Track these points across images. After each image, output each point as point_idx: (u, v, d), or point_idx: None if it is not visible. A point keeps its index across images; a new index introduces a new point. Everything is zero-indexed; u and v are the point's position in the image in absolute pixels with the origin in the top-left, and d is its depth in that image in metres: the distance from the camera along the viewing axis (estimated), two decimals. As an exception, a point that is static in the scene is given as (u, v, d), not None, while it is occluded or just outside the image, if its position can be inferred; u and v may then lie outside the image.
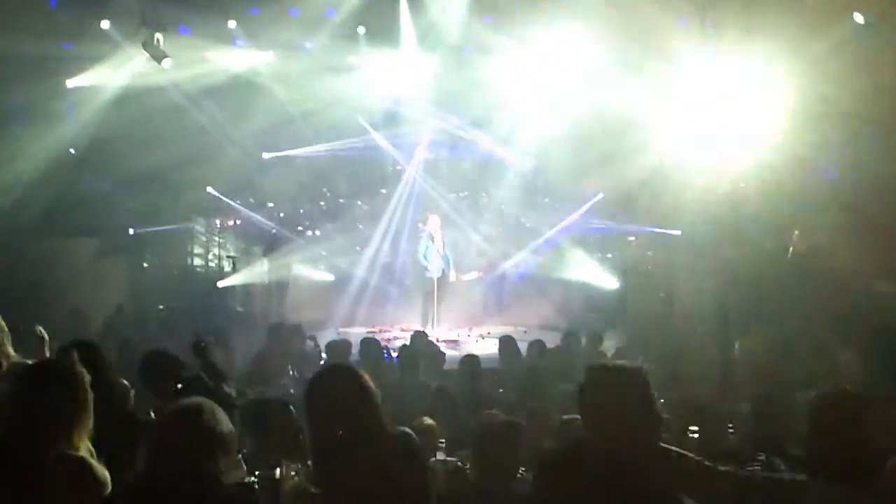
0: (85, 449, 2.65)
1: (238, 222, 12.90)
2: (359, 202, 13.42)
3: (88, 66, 9.94)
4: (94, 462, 2.63)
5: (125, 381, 4.56)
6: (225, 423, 2.55)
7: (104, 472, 2.61)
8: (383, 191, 13.22)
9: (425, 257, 10.68)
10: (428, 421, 4.25)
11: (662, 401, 3.53)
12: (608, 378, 2.73)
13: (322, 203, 13.38)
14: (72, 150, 10.25)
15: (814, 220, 9.53)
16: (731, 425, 4.16)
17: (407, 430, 3.03)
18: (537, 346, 7.46)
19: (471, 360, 6.18)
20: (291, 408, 3.86)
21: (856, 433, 2.55)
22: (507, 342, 7.52)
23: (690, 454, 2.68)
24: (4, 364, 3.69)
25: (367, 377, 2.90)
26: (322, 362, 7.49)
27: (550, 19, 10.21)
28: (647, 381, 2.66)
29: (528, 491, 3.33)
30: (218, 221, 12.68)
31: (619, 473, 2.52)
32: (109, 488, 2.60)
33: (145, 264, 12.43)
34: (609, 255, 13.28)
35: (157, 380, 4.23)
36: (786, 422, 4.05)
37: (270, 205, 12.85)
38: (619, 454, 2.55)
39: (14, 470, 2.47)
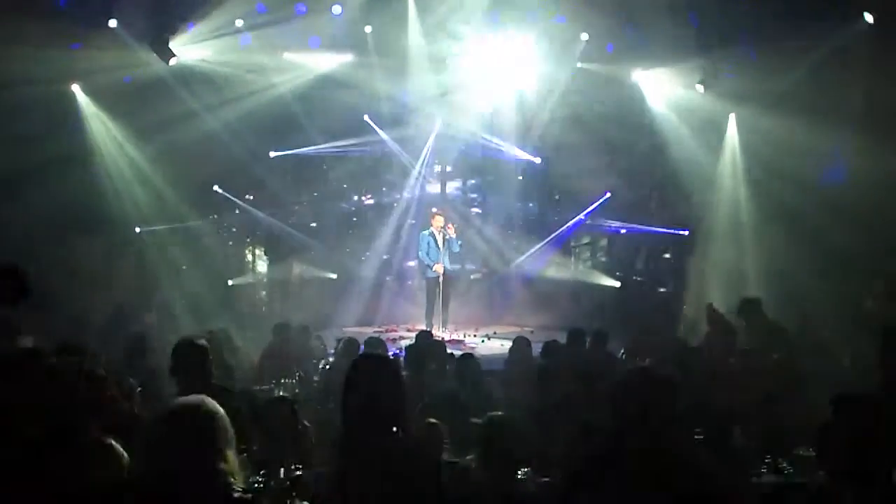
0: None
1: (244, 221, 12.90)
2: (365, 201, 13.41)
3: (97, 66, 9.94)
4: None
5: (132, 380, 4.57)
6: (226, 421, 2.55)
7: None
8: (389, 189, 13.23)
9: (429, 255, 10.60)
10: (432, 421, 4.23)
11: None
12: (648, 379, 2.87)
13: (328, 201, 13.35)
14: None
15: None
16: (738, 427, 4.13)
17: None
18: (551, 346, 7.40)
19: (471, 361, 6.17)
20: (296, 408, 3.85)
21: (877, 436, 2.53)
22: (519, 342, 7.51)
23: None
24: None
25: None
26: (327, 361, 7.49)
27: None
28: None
29: (534, 490, 3.33)
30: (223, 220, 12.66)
31: (656, 464, 2.68)
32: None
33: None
34: (615, 255, 13.24)
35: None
36: (793, 422, 4.03)
37: (296, 207, 12.90)
38: (655, 446, 2.73)
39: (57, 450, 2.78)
